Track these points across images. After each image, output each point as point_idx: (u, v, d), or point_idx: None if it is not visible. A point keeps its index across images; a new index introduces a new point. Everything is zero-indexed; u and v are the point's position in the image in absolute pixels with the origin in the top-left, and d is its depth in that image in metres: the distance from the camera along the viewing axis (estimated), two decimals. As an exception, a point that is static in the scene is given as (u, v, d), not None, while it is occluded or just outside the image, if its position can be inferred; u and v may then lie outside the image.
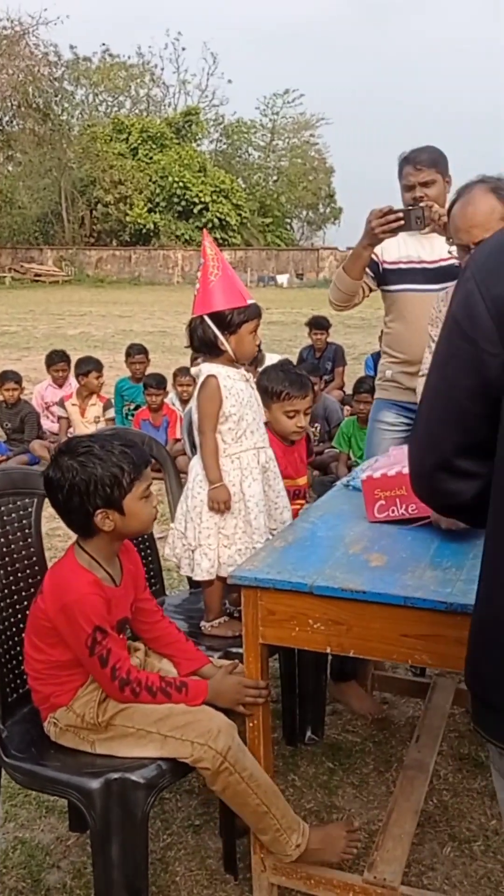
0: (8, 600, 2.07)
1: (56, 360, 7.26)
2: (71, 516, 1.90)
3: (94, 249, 36.28)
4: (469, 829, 2.32)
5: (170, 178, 35.96)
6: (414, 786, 2.23)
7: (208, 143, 43.15)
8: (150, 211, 36.20)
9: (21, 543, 2.14)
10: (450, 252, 2.54)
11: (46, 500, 2.01)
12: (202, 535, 2.45)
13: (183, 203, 36.30)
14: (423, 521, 2.05)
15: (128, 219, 36.02)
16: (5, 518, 2.11)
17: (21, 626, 2.04)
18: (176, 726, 1.85)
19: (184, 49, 56.50)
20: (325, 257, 33.82)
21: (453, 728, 2.80)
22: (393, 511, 2.09)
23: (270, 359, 4.40)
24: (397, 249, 3.01)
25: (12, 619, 2.06)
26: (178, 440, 6.03)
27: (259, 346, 2.60)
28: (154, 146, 37.52)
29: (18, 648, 2.04)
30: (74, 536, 1.97)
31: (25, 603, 2.08)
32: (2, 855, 2.23)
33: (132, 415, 6.76)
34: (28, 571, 2.14)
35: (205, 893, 2.10)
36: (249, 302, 2.46)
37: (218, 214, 36.09)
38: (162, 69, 52.04)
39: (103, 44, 55.50)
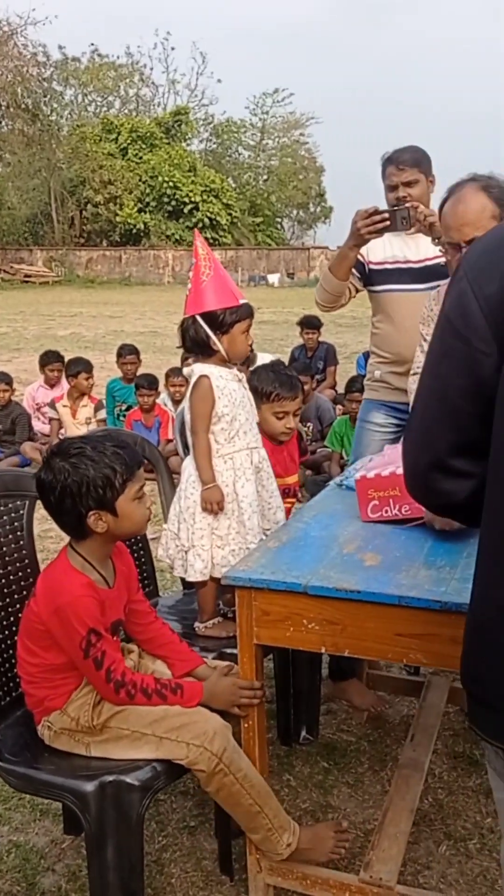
0: (0, 603, 2.06)
1: (51, 359, 7.28)
2: (63, 518, 1.89)
3: (85, 250, 36.10)
4: (464, 828, 2.32)
5: (160, 178, 35.84)
6: (409, 784, 2.23)
7: (198, 143, 43.12)
8: (140, 211, 36.08)
9: (13, 546, 2.14)
10: (440, 250, 2.54)
11: (38, 502, 2.00)
12: (195, 535, 2.44)
13: (173, 203, 36.20)
14: (416, 521, 2.05)
15: (118, 219, 35.87)
16: (-3, 521, 2.10)
17: (14, 629, 2.03)
18: (171, 728, 1.84)
19: (173, 49, 56.59)
20: (316, 256, 33.77)
21: (448, 726, 2.80)
22: (386, 511, 2.09)
23: (263, 358, 4.40)
24: (383, 250, 3.02)
25: (5, 623, 2.06)
26: (170, 441, 6.02)
27: (251, 345, 2.60)
28: (144, 146, 37.40)
29: (11, 651, 2.03)
30: (67, 538, 1.96)
31: (18, 606, 2.07)
32: (-4, 859, 2.22)
33: (124, 415, 6.74)
34: (20, 574, 2.14)
35: (201, 895, 2.09)
36: (242, 302, 2.45)
37: (208, 214, 36.01)
38: (151, 69, 51.80)
39: (92, 44, 55.26)
